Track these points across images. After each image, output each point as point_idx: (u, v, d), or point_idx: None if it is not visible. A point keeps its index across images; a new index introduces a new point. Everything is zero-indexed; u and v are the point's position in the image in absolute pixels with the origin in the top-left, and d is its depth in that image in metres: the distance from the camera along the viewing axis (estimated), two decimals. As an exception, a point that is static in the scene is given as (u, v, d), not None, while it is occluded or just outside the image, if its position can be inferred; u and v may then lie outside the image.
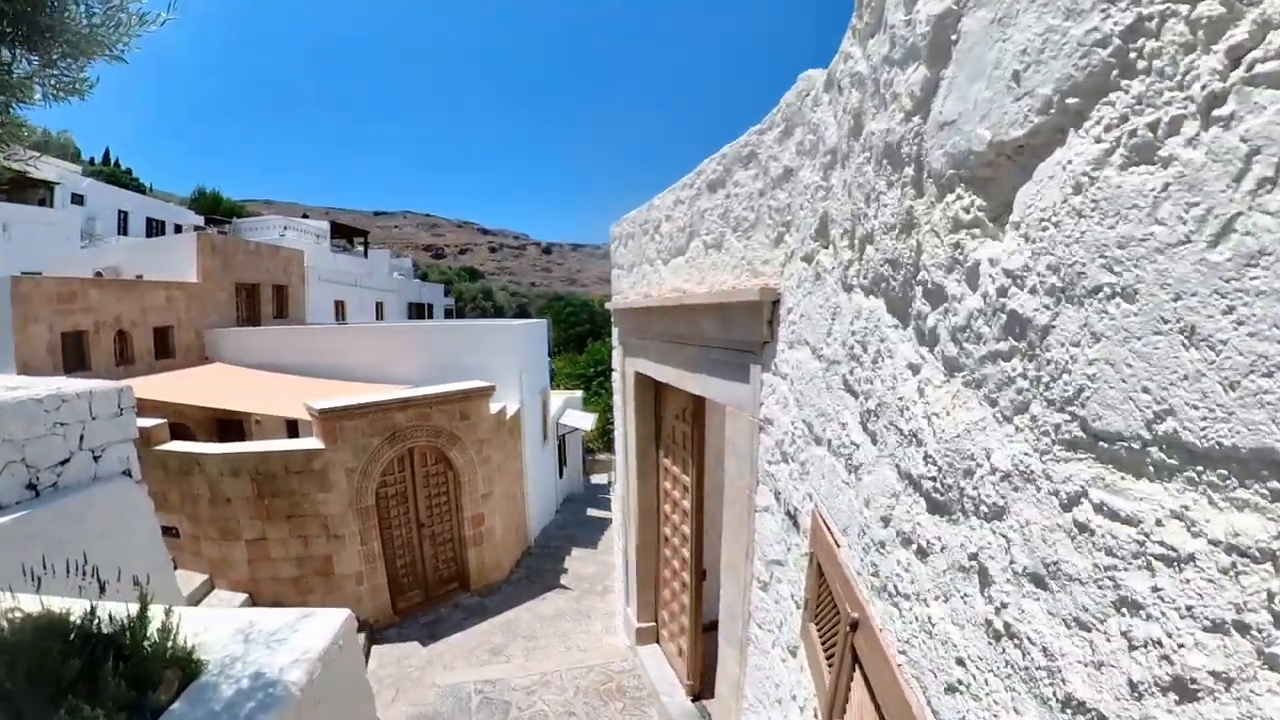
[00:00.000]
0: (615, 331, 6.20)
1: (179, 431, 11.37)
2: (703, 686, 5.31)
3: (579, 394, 21.33)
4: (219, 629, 3.08)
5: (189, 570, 9.24)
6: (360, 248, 38.26)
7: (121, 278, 17.49)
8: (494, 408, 10.88)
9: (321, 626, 3.09)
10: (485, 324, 14.32)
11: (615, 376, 6.30)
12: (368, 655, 8.74)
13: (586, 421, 18.74)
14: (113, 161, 68.52)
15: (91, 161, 58.36)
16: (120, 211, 36.92)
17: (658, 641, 5.97)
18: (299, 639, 2.98)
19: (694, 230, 4.08)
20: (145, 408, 10.64)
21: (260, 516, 8.85)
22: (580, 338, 43.62)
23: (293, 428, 12.97)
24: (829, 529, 2.18)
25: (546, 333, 16.66)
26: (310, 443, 9.04)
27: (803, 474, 2.56)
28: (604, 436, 24.71)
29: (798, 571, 2.63)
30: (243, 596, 8.97)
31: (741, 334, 3.25)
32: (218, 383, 14.09)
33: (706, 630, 5.20)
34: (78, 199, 36.58)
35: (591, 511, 17.43)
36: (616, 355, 6.22)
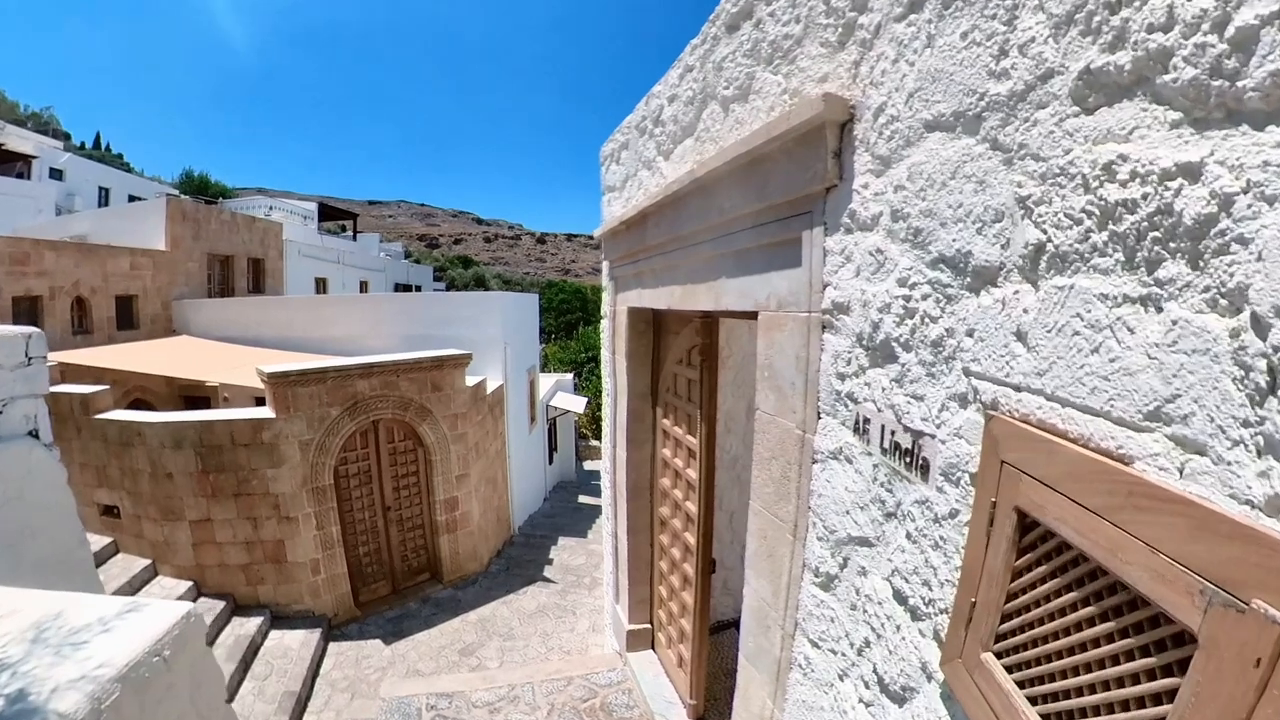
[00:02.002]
0: (605, 267, 5.14)
1: (141, 408, 10.38)
2: (708, 705, 4.28)
3: (569, 376, 20.24)
4: (15, 619, 2.10)
5: (130, 555, 8.22)
6: (349, 232, 37.13)
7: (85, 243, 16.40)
8: (471, 380, 9.79)
9: (142, 628, 2.03)
10: (468, 295, 13.26)
11: (604, 324, 5.23)
12: (322, 654, 7.72)
13: (578, 404, 17.68)
14: (104, 146, 67.48)
15: (82, 146, 57.43)
16: (101, 188, 36.05)
17: (653, 647, 4.91)
18: (102, 645, 1.95)
19: (708, 94, 2.99)
20: (107, 380, 9.67)
21: (204, 494, 7.79)
22: (572, 325, 42.49)
23: (264, 404, 11.95)
24: (1082, 440, 1.11)
25: (536, 308, 15.57)
26: (259, 411, 7.96)
27: (940, 364, 1.52)
28: (596, 423, 23.66)
29: (917, 554, 1.58)
30: (187, 585, 7.91)
31: (788, 188, 2.16)
32: (181, 354, 13.02)
33: (714, 632, 4.16)
34: (56, 174, 35.69)
35: (583, 498, 16.38)
36: (606, 298, 5.16)
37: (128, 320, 14.92)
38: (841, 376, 1.97)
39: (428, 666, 7.43)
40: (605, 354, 5.24)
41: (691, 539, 3.96)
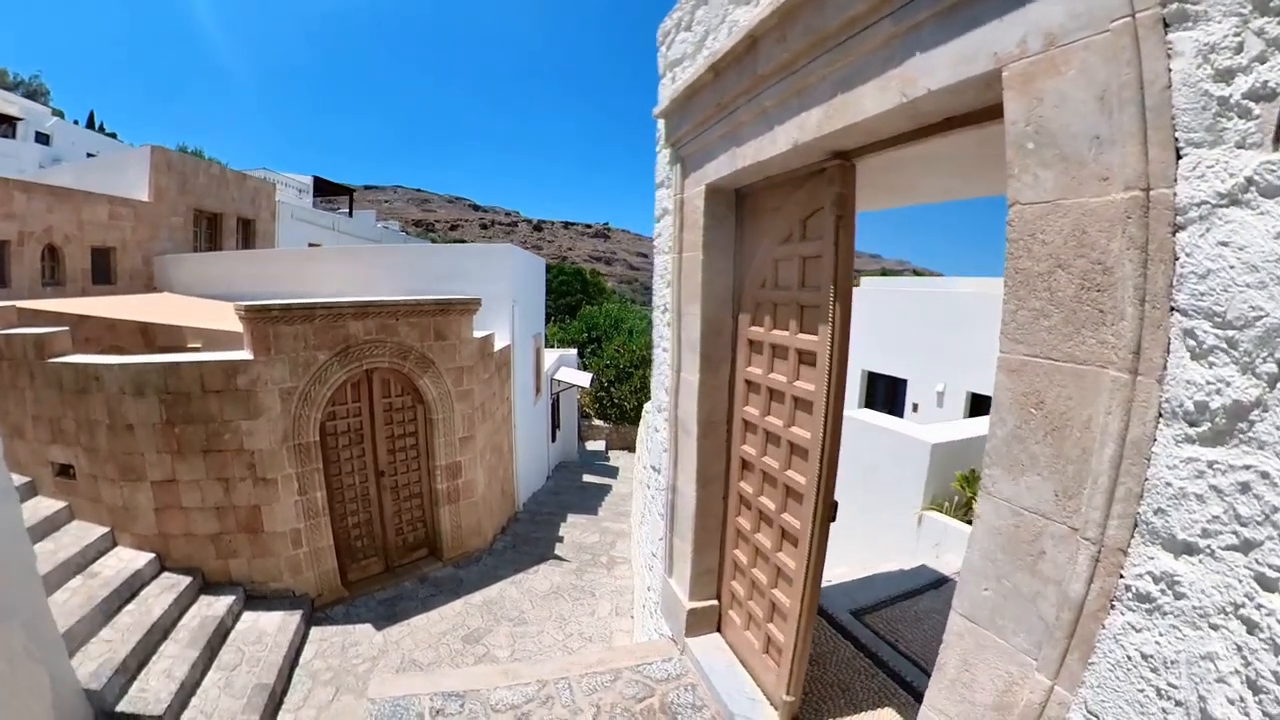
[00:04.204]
0: (665, 155, 4.08)
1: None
2: (803, 702, 3.22)
3: (573, 352, 19.19)
4: None
5: (86, 521, 7.08)
6: (344, 209, 35.78)
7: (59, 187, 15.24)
8: (478, 334, 8.71)
9: None
10: (475, 247, 12.18)
11: (664, 223, 4.16)
12: (303, 640, 6.65)
13: (583, 379, 16.63)
14: (97, 126, 66.14)
15: (75, 124, 56.14)
16: (89, 155, 34.88)
17: (718, 629, 3.84)
18: None
19: None
20: (79, 336, 8.56)
21: (169, 450, 6.69)
22: (572, 307, 41.40)
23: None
24: None
25: (543, 271, 14.51)
26: (233, 353, 6.85)
27: None
28: (599, 403, 22.62)
29: None
30: (148, 557, 6.81)
31: None
32: (159, 308, 11.92)
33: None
34: (44, 138, 34.72)
35: (588, 477, 15.36)
36: (665, 194, 4.09)
37: (104, 274, 13.88)
38: (1227, 75, 1.24)
39: (426, 656, 6.37)
40: (663, 259, 4.15)
41: (800, 477, 2.89)
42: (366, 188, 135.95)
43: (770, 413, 3.19)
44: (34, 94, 51.72)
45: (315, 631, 6.82)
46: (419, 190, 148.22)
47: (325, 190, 35.45)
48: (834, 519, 2.79)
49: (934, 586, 5.30)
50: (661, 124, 4.12)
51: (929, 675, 3.92)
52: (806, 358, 2.86)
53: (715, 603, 3.82)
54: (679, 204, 3.74)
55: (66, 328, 7.48)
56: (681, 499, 3.81)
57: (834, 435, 2.68)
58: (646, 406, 5.54)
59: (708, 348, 3.49)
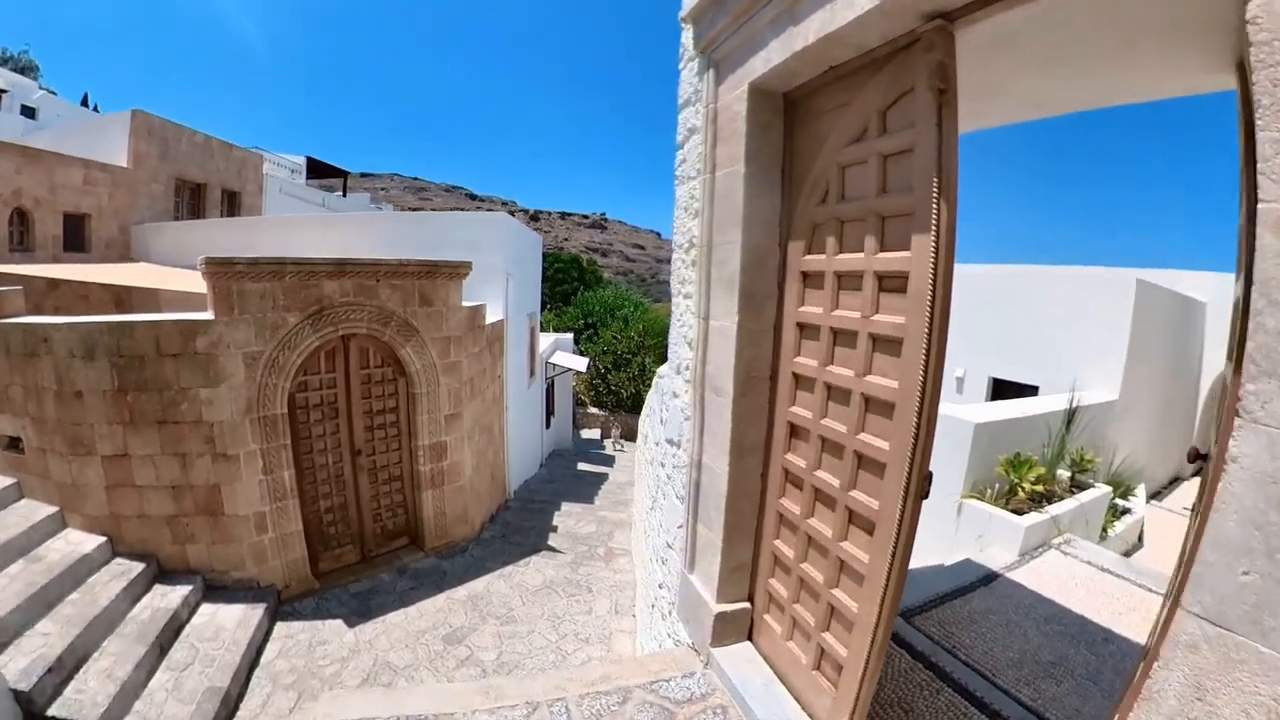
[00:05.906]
0: (691, 68, 3.38)
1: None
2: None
3: (569, 336, 18.48)
4: None
5: (35, 500, 6.34)
6: (338, 192, 34.80)
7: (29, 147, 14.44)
8: (469, 304, 7.99)
9: None
10: (468, 215, 11.40)
11: (690, 147, 3.44)
12: (266, 637, 5.95)
13: (580, 363, 15.92)
14: (91, 106, 64.97)
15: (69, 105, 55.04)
16: (77, 129, 33.90)
17: (749, 638, 3.15)
18: None
19: None
20: (48, 306, 7.80)
21: (120, 421, 5.95)
22: (568, 294, 40.67)
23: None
24: None
25: (539, 247, 13.78)
26: (192, 314, 6.13)
27: None
28: (595, 390, 21.91)
29: None
30: (99, 540, 6.09)
31: None
32: (132, 276, 11.16)
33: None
34: (29, 112, 33.69)
35: (583, 466, 14.67)
36: (693, 110, 3.39)
37: (77, 241, 13.13)
38: None
39: (401, 658, 5.68)
40: (687, 187, 3.42)
41: (881, 442, 2.20)
42: (362, 175, 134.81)
43: (834, 360, 2.48)
44: (23, 69, 50.70)
45: (280, 627, 6.13)
46: (415, 179, 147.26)
47: (319, 172, 34.44)
48: (926, 495, 2.09)
49: (984, 583, 4.64)
50: (689, 30, 3.41)
51: (1000, 689, 3.24)
52: (890, 282, 2.16)
53: (747, 605, 3.12)
54: (711, 115, 3.03)
55: (19, 286, 6.74)
56: (709, 477, 3.11)
57: (934, 382, 1.98)
58: (661, 370, 4.84)
59: (749, 283, 2.77)
